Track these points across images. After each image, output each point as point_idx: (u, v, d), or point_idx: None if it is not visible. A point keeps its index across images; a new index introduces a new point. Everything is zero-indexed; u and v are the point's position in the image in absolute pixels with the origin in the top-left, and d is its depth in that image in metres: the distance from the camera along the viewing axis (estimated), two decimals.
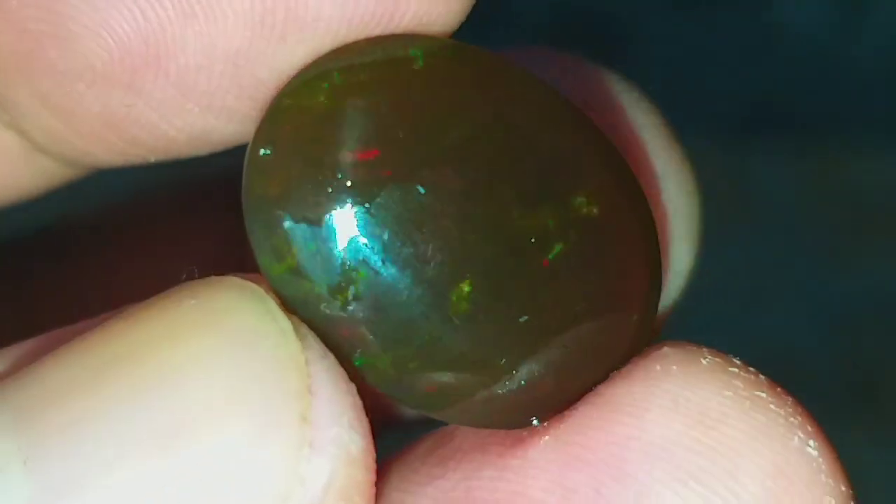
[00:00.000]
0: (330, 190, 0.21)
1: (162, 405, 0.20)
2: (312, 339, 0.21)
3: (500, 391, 0.22)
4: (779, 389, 0.22)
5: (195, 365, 0.20)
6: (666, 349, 0.23)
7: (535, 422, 0.23)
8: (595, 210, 0.22)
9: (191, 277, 0.21)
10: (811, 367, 0.79)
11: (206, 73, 0.23)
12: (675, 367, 0.22)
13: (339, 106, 0.21)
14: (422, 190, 0.21)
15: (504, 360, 0.22)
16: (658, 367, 0.22)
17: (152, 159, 0.25)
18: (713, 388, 0.22)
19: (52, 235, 0.32)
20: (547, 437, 0.22)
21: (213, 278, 0.21)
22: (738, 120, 0.85)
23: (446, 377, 0.22)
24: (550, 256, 0.22)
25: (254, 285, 0.21)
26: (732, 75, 0.85)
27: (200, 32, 0.22)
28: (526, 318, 0.22)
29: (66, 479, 0.20)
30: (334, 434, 0.20)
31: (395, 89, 0.22)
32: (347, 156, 0.21)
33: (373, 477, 0.21)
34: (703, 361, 0.23)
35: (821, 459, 0.22)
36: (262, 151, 0.22)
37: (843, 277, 0.81)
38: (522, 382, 0.22)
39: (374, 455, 0.21)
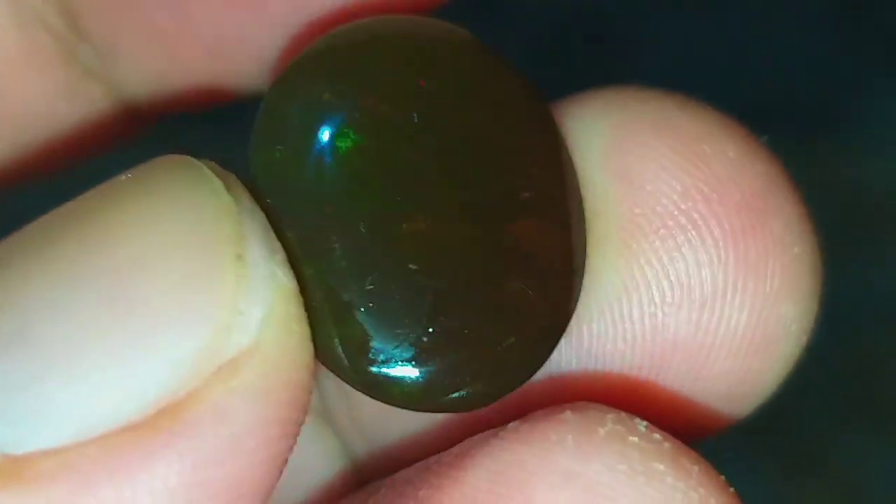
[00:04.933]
0: None
1: (105, 259, 0.22)
2: (245, 196, 0.23)
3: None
4: (683, 459, 0.21)
5: (133, 221, 0.22)
6: (567, 413, 0.22)
7: (456, 394, 0.23)
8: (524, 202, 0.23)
9: None
10: (811, 367, 0.79)
11: None
12: (570, 437, 0.21)
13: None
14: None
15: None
16: (553, 437, 0.21)
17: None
18: (607, 461, 0.21)
19: None
20: None
21: (150, 160, 0.23)
22: (738, 121, 0.85)
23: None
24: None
25: (186, 156, 0.23)
26: (732, 76, 0.85)
27: None
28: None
29: (11, 331, 0.21)
30: (268, 271, 0.22)
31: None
32: None
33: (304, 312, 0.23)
34: (601, 431, 0.21)
35: None
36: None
37: (842, 277, 0.81)
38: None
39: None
